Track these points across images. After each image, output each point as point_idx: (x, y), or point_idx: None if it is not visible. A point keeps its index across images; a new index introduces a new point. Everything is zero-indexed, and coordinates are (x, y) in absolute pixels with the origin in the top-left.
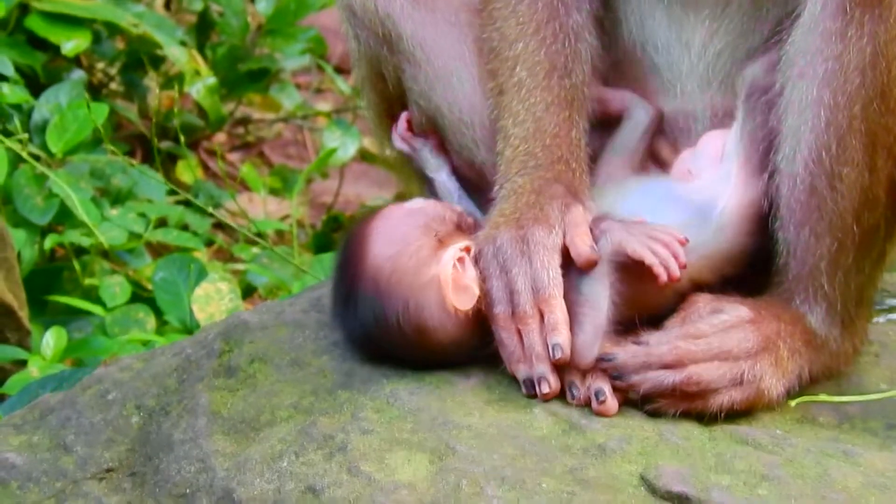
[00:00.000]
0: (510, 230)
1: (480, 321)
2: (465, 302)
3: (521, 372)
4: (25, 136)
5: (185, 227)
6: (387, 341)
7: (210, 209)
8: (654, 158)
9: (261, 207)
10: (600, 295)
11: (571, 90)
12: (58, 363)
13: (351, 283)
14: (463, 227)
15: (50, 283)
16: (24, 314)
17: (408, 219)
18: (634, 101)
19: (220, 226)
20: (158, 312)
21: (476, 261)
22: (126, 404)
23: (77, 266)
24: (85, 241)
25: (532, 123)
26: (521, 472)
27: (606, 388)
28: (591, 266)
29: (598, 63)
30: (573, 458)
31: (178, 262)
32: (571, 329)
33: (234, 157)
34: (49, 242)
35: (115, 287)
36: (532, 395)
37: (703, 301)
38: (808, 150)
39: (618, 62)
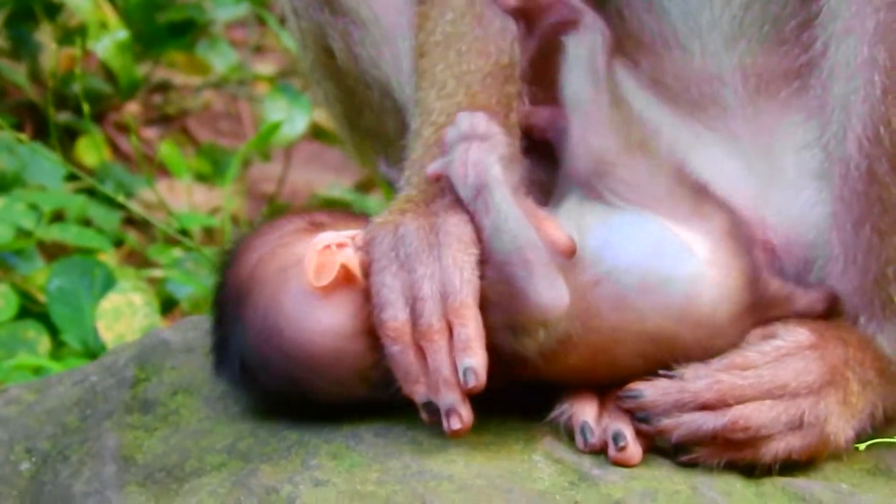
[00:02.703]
0: (417, 218)
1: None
2: (323, 277)
3: (420, 394)
4: None
5: (87, 223)
6: (260, 360)
7: (121, 199)
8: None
9: (185, 197)
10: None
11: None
12: None
13: (231, 309)
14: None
15: None
16: None
17: (288, 222)
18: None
19: (132, 221)
20: (54, 331)
21: (365, 251)
22: (13, 447)
23: None
24: None
25: (463, 98)
26: None
27: (627, 430)
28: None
29: None
30: None
31: (80, 266)
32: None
33: (150, 132)
34: None
35: None
36: (434, 422)
37: None
38: (861, 126)
39: (612, 14)
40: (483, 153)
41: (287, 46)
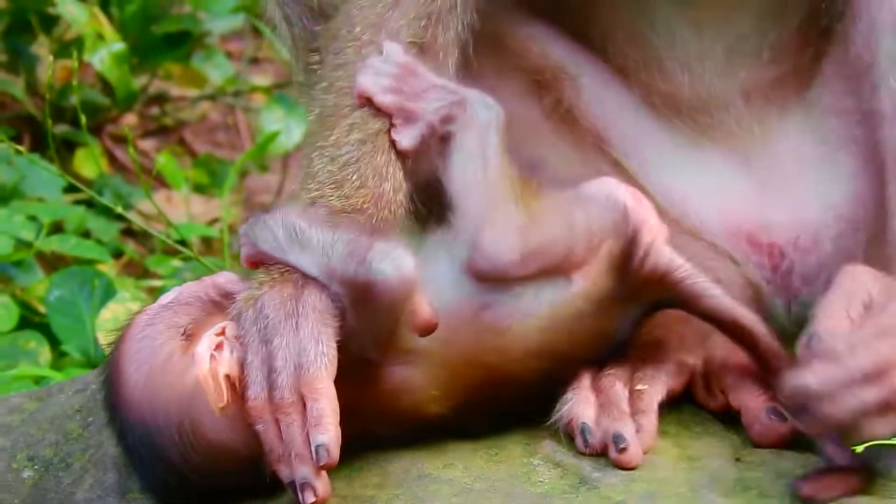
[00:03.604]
0: (277, 288)
1: None
2: (219, 397)
3: (284, 474)
4: None
5: (86, 234)
6: (197, 481)
7: (119, 210)
8: None
9: (182, 208)
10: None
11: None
12: None
13: (124, 433)
14: (231, 299)
15: None
16: None
17: (151, 327)
18: (468, 96)
19: (130, 232)
20: (54, 341)
21: (237, 336)
22: (16, 455)
23: None
24: None
25: (330, 162)
26: None
27: (628, 431)
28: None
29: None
30: None
31: (79, 277)
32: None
33: (146, 144)
34: None
35: None
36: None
37: (863, 276)
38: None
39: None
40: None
41: (283, 57)
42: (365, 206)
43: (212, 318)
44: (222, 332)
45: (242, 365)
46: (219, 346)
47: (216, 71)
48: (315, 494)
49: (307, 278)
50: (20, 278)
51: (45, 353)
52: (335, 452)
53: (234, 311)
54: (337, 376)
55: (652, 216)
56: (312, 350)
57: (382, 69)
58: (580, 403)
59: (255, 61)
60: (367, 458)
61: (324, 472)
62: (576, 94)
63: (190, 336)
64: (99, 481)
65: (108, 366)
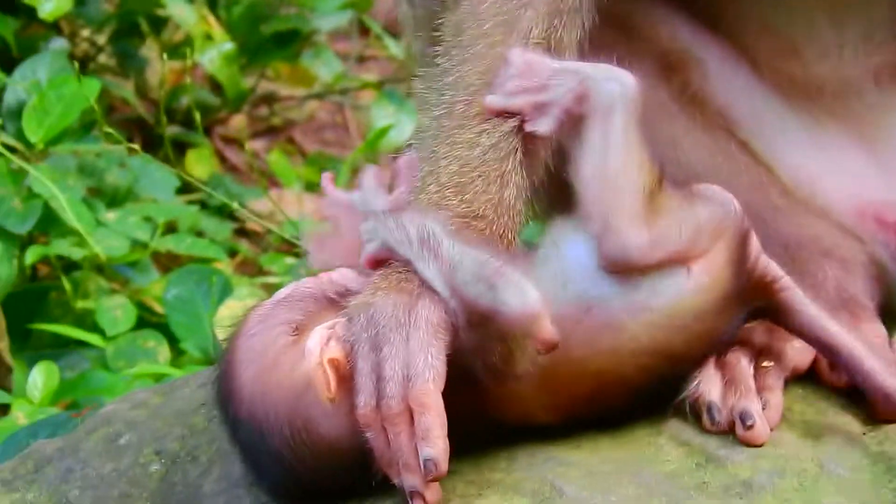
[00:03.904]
0: (392, 296)
1: None
2: (328, 387)
3: (395, 479)
4: None
5: (199, 234)
6: (307, 478)
7: (235, 205)
8: None
9: (294, 207)
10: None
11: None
12: (49, 407)
13: (235, 429)
14: (346, 296)
15: (34, 306)
16: (3, 346)
17: (263, 323)
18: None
19: (243, 232)
20: (172, 339)
21: (346, 337)
22: (143, 450)
23: (67, 285)
24: (76, 254)
25: (456, 164)
26: None
27: (754, 408)
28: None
29: None
30: (712, 499)
31: (196, 275)
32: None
33: (256, 144)
34: (31, 256)
35: (115, 310)
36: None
37: None
38: None
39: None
40: (415, 214)
41: (393, 53)
42: (486, 212)
43: (324, 315)
44: (333, 327)
45: (353, 366)
46: (329, 340)
47: (325, 68)
48: (425, 502)
49: (424, 288)
50: (136, 279)
51: (164, 352)
52: (443, 466)
53: (346, 316)
54: (444, 387)
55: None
56: (421, 362)
57: (505, 77)
58: (706, 382)
59: (361, 60)
60: (492, 444)
61: (431, 483)
62: (703, 76)
63: (300, 331)
64: (226, 473)
65: (221, 362)
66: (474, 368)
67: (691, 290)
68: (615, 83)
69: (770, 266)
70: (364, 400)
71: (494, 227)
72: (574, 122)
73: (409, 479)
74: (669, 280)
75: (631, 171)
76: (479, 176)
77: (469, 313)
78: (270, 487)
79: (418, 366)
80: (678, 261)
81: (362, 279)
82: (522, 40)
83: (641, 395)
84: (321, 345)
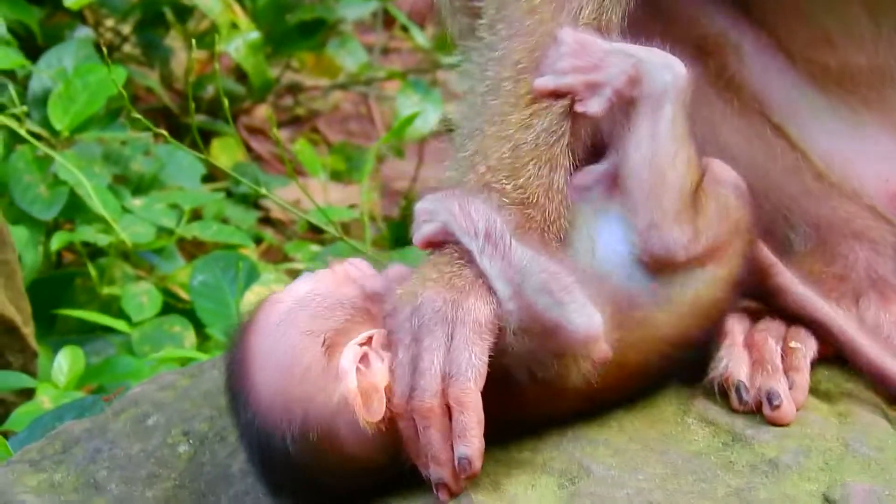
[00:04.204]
0: (441, 289)
1: None
2: (376, 411)
3: (423, 470)
4: (23, 109)
5: (224, 222)
6: (326, 486)
7: (263, 191)
8: None
9: (320, 195)
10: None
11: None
12: (74, 391)
13: (246, 430)
14: (375, 301)
15: (59, 293)
16: (29, 331)
17: (288, 325)
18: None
19: (268, 220)
20: (198, 325)
21: (389, 330)
22: (171, 431)
23: (93, 271)
24: (102, 240)
25: (507, 145)
26: (673, 495)
27: (781, 388)
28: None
29: None
30: (738, 478)
31: (222, 261)
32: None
33: (281, 134)
34: (57, 242)
35: (141, 296)
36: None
37: None
38: None
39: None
40: (481, 204)
41: (416, 45)
42: (538, 198)
43: (353, 326)
44: (367, 342)
45: (392, 356)
46: (364, 358)
47: (350, 58)
48: (448, 494)
49: (476, 285)
50: (162, 265)
51: (190, 337)
52: (477, 465)
53: (391, 306)
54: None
55: None
56: (465, 361)
57: (555, 57)
58: (735, 362)
59: (386, 51)
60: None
61: (458, 477)
62: (739, 61)
63: (331, 347)
64: None
65: (234, 353)
66: (516, 372)
67: (714, 281)
68: (668, 71)
69: (765, 251)
70: (399, 391)
71: (546, 213)
72: (623, 106)
73: (437, 472)
74: (698, 273)
75: (679, 167)
76: (532, 160)
77: (529, 321)
78: (275, 490)
79: (461, 364)
80: (711, 256)
81: (378, 273)
82: (572, 19)
83: (660, 382)
84: (355, 363)
